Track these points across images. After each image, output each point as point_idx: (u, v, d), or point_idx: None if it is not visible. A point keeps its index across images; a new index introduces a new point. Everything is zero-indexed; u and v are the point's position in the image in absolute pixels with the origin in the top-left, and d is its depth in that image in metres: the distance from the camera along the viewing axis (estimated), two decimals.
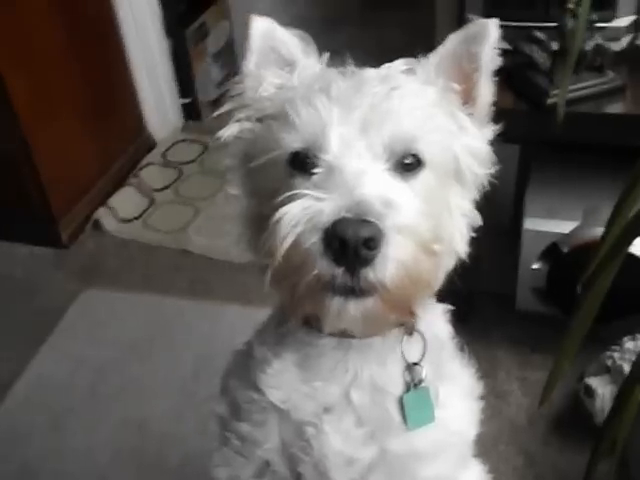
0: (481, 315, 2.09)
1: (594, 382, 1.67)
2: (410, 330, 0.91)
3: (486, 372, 1.92)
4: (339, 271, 0.71)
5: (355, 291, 0.72)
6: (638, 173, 0.86)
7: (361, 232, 0.69)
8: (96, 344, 2.21)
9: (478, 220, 0.90)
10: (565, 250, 1.70)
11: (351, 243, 0.69)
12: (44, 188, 2.53)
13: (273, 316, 0.97)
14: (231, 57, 3.54)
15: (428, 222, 0.76)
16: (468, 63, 0.86)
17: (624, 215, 0.88)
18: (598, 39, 1.57)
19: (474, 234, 0.90)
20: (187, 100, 3.25)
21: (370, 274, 0.71)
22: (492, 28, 0.85)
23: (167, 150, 3.06)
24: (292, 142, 0.80)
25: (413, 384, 0.91)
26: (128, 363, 2.13)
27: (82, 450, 1.90)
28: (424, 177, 0.81)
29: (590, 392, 1.66)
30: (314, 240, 0.71)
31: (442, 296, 2.08)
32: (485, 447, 1.74)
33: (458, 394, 0.98)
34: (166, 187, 2.86)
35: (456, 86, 0.85)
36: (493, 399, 1.87)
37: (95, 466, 1.86)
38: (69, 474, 1.85)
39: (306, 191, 0.73)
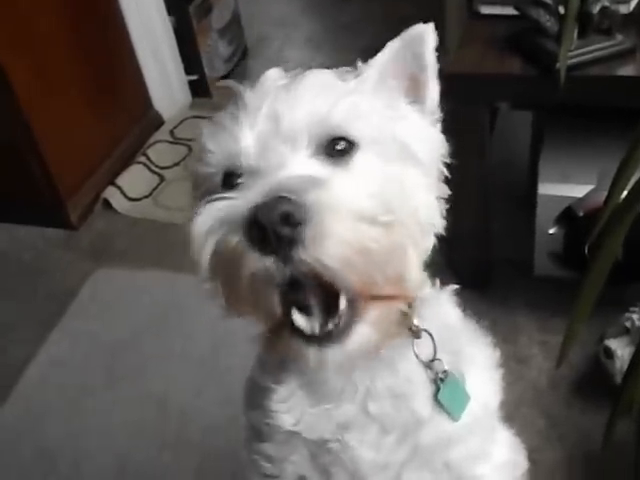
0: (500, 282, 2.15)
1: (613, 344, 1.72)
2: (416, 332, 0.89)
3: (507, 338, 2.00)
4: (270, 261, 0.67)
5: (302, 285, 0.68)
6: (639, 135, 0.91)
7: (276, 208, 0.65)
8: (110, 323, 2.27)
9: (446, 191, 0.88)
10: (580, 214, 1.74)
11: (267, 224, 0.65)
12: (50, 171, 2.59)
13: None
14: (238, 32, 3.58)
15: (372, 198, 0.72)
16: (413, 65, 0.89)
17: (627, 177, 0.94)
18: (605, 2, 1.61)
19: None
20: (194, 77, 3.29)
21: (302, 254, 0.66)
22: (429, 33, 0.88)
23: (175, 127, 3.11)
24: (218, 166, 0.80)
25: (440, 379, 0.91)
26: (143, 341, 2.19)
27: (101, 430, 1.97)
28: (362, 158, 0.79)
29: (610, 353, 1.72)
30: (237, 237, 0.68)
31: (460, 265, 2.14)
32: (508, 411, 1.81)
33: (479, 369, 0.98)
34: (176, 164, 2.91)
35: (395, 82, 0.89)
36: (514, 364, 1.93)
37: (115, 445, 1.92)
38: (88, 454, 1.91)
39: (219, 195, 0.72)
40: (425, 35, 0.88)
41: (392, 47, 0.89)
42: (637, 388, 1.22)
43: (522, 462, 1.15)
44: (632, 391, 1.23)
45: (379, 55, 0.89)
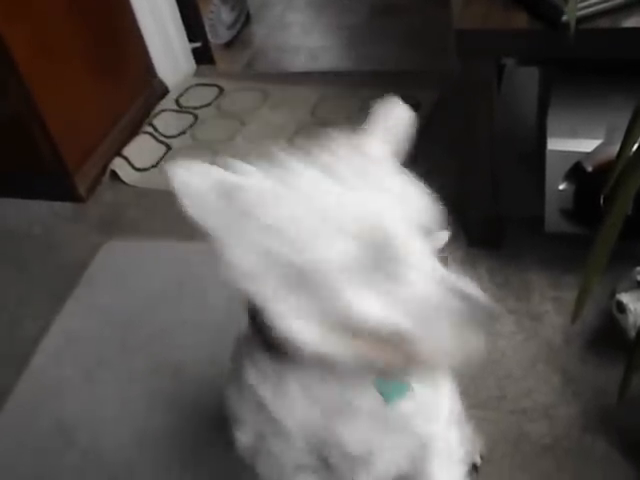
0: (511, 239, 2.14)
1: (625, 298, 1.71)
2: None
3: (519, 295, 2.01)
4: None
5: None
6: None
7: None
8: (122, 295, 2.27)
9: None
10: (589, 169, 1.73)
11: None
12: (55, 143, 2.57)
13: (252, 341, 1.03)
14: None
15: None
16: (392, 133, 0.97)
17: (638, 130, 0.93)
18: None
19: None
20: (197, 44, 3.27)
21: None
22: (401, 108, 1.01)
23: (181, 96, 3.10)
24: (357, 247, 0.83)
25: None
26: (157, 311, 2.19)
27: (117, 401, 1.98)
28: None
29: (622, 308, 1.71)
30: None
31: (472, 224, 2.12)
32: (523, 368, 1.83)
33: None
34: (182, 133, 2.91)
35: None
36: (528, 321, 1.93)
37: (131, 416, 1.93)
38: (106, 426, 1.92)
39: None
40: (396, 109, 1.00)
41: (375, 122, 0.97)
42: None
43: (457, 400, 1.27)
44: None
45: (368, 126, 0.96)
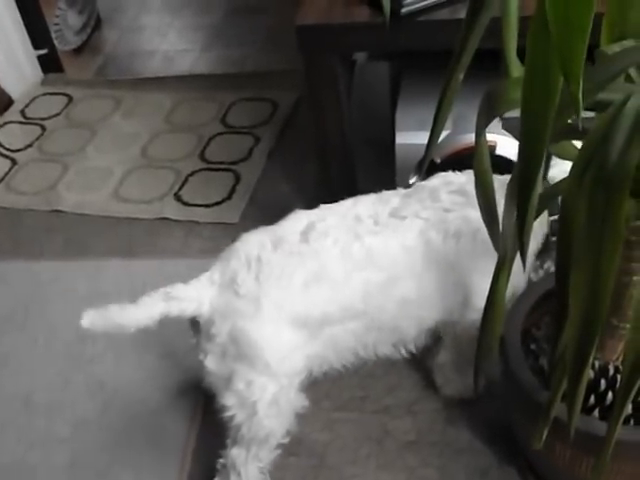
0: None
1: None
2: None
3: None
4: None
5: None
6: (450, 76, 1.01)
7: None
8: None
9: None
10: (438, 160, 1.82)
11: None
12: None
13: None
14: (89, 1, 3.54)
15: None
16: None
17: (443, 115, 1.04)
18: None
19: None
20: (43, 51, 3.25)
21: None
22: None
23: (26, 106, 3.09)
24: None
25: None
26: (4, 336, 2.17)
27: None
28: None
29: None
30: None
31: None
32: (385, 366, 1.88)
33: None
34: (29, 146, 2.89)
35: None
36: None
37: None
38: None
39: None
40: None
41: None
42: (494, 332, 1.31)
43: None
44: (489, 334, 1.32)
45: None
